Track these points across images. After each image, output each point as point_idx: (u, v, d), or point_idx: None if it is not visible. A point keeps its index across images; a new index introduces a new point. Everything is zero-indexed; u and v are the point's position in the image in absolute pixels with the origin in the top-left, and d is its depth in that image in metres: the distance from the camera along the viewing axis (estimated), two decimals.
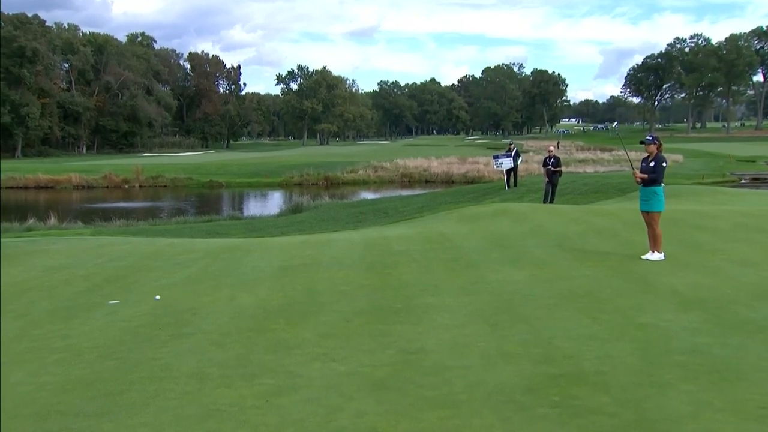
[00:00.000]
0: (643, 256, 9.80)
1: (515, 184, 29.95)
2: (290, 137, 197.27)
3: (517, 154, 29.79)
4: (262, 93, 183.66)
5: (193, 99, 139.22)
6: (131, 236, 16.60)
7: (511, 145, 30.55)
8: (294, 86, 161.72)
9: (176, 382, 5.00)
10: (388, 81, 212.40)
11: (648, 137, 10.19)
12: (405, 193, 41.98)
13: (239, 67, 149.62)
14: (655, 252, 9.84)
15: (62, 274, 9.70)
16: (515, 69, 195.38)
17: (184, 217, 30.70)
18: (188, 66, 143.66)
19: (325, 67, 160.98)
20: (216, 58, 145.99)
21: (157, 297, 7.81)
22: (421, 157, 66.20)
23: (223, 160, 74.98)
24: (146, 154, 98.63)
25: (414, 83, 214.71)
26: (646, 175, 9.89)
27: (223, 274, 9.40)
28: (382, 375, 5.08)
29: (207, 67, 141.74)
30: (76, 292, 8.43)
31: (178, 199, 47.61)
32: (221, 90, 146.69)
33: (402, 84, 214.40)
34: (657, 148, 10.10)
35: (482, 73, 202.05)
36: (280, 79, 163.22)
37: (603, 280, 8.46)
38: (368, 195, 43.07)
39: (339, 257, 10.52)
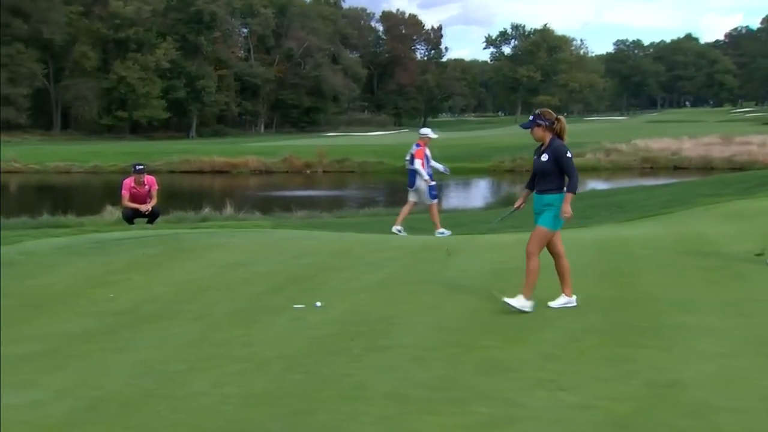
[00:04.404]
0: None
1: None
2: (500, 113, 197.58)
3: None
4: (468, 59, 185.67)
5: (386, 67, 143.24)
6: (314, 230, 17.42)
7: None
8: (507, 50, 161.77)
9: (372, 404, 5.17)
10: (627, 40, 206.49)
11: (530, 118, 7.69)
12: (647, 182, 40.50)
13: (441, 27, 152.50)
14: (563, 294, 7.87)
15: (241, 272, 10.40)
16: None
17: (375, 208, 31.68)
18: (381, 28, 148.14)
19: (546, 26, 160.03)
20: (413, 17, 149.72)
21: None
22: (668, 137, 63.57)
23: None
24: (331, 134, 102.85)
25: (662, 42, 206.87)
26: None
27: (423, 277, 9.61)
28: (625, 411, 4.94)
29: (403, 28, 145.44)
30: (256, 293, 9.00)
31: (366, 187, 49.31)
32: (419, 56, 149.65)
33: (646, 43, 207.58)
34: (549, 131, 7.57)
35: (762, 23, 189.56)
36: (489, 42, 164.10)
37: None
38: (598, 185, 42.04)
39: None
